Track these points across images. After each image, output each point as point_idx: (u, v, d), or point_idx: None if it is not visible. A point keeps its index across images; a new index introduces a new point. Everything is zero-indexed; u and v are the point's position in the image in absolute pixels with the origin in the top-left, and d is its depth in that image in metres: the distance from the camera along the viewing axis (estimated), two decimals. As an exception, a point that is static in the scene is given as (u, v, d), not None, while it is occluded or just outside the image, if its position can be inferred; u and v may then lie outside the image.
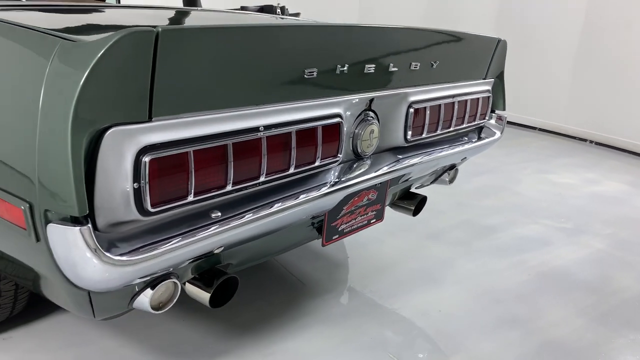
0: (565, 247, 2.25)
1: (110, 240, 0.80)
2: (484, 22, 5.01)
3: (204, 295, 1.08)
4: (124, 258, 0.79)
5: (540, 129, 4.67)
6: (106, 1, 2.50)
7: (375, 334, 1.56)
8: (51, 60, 0.76)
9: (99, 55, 0.71)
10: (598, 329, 1.66)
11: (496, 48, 1.73)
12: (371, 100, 1.30)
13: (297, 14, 2.30)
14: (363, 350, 1.49)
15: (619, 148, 4.07)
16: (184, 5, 2.58)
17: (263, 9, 2.27)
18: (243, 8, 2.27)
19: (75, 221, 0.76)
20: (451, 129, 1.62)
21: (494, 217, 2.54)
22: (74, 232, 0.74)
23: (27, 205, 0.77)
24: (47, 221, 0.76)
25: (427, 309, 1.71)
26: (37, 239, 0.79)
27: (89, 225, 0.75)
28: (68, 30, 0.89)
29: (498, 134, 1.86)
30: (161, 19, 1.46)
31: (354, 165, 1.32)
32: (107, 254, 0.77)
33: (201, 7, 2.60)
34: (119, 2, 3.23)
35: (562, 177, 3.29)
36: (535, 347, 1.54)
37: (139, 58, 0.76)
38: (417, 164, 1.46)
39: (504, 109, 1.89)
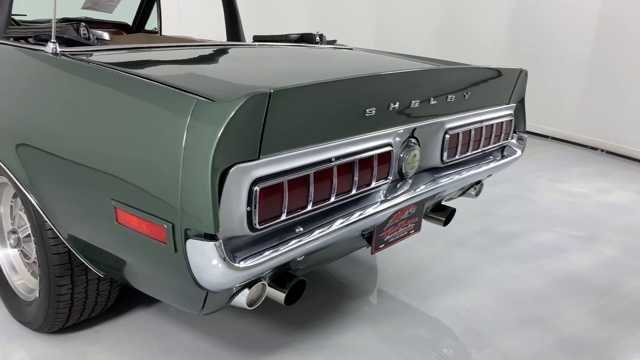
0: (579, 253, 2.46)
1: (228, 250, 1.03)
2: (496, 33, 5.22)
3: (279, 295, 1.30)
4: (241, 265, 1.02)
5: (553, 138, 4.86)
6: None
7: (413, 331, 1.78)
8: (190, 115, 0.99)
9: (232, 114, 0.94)
10: (610, 327, 1.87)
11: (518, 77, 1.94)
12: (414, 129, 1.53)
13: (333, 41, 2.52)
14: (403, 345, 1.70)
15: (629, 157, 4.25)
16: (228, 40, 2.82)
17: (303, 37, 2.49)
18: (286, 36, 2.49)
19: (208, 237, 0.99)
20: (479, 149, 1.84)
21: (512, 225, 2.75)
22: (210, 246, 0.97)
23: (170, 225, 1.01)
24: (187, 237, 0.99)
25: (457, 309, 1.93)
26: (175, 251, 1.02)
27: (220, 240, 0.99)
28: (193, 84, 1.11)
29: (519, 152, 2.07)
30: (252, 63, 1.68)
31: (400, 185, 1.54)
32: (231, 262, 1.00)
33: (244, 39, 2.83)
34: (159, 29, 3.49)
35: (575, 186, 3.49)
36: (553, 343, 1.76)
37: (257, 112, 0.99)
38: (452, 182, 1.68)
39: (524, 130, 2.10)
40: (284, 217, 1.13)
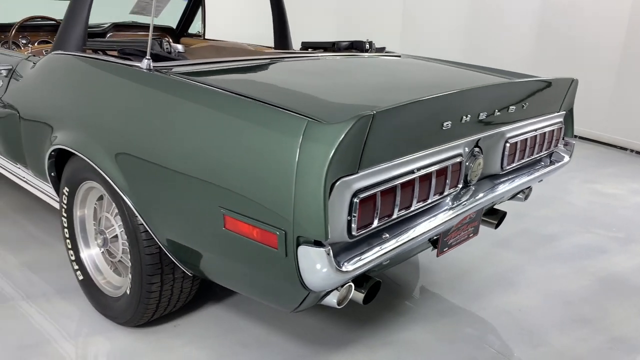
0: (620, 255, 2.53)
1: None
2: (524, 34, 5.26)
3: (359, 295, 1.40)
4: (345, 269, 1.13)
5: (581, 137, 4.90)
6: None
7: (468, 329, 1.88)
8: (302, 135, 1.09)
9: (343, 135, 1.05)
10: (657, 328, 1.95)
11: (570, 86, 2.02)
12: (479, 139, 1.62)
13: (382, 49, 2.60)
14: (462, 342, 1.80)
15: (660, 158, 4.29)
16: (275, 46, 2.91)
17: (353, 45, 2.58)
18: (335, 44, 2.58)
19: (317, 244, 1.09)
20: (534, 156, 1.92)
21: (551, 227, 2.83)
22: (321, 252, 1.08)
23: (282, 232, 1.11)
24: (298, 244, 1.10)
25: (509, 308, 2.02)
26: (286, 255, 1.13)
27: (329, 247, 1.09)
28: (296, 104, 1.21)
29: (567, 157, 2.15)
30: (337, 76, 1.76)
31: (465, 192, 1.64)
32: (337, 266, 1.11)
33: (292, 45, 2.92)
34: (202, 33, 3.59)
35: (609, 187, 3.54)
36: (606, 342, 1.84)
37: (361, 132, 1.09)
38: (510, 188, 1.77)
39: (572, 136, 2.18)
40: (375, 224, 1.23)
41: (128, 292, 1.63)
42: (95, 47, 1.91)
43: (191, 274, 1.57)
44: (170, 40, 1.72)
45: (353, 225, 1.16)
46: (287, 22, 2.85)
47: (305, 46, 2.75)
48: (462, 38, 5.79)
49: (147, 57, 1.54)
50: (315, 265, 1.10)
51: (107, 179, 1.51)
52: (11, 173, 2.33)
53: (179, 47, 1.81)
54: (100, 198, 1.78)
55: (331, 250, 1.10)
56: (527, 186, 1.99)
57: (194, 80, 1.42)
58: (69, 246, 1.88)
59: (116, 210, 1.68)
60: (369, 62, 2.11)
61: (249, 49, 2.13)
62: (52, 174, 1.86)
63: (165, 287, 1.60)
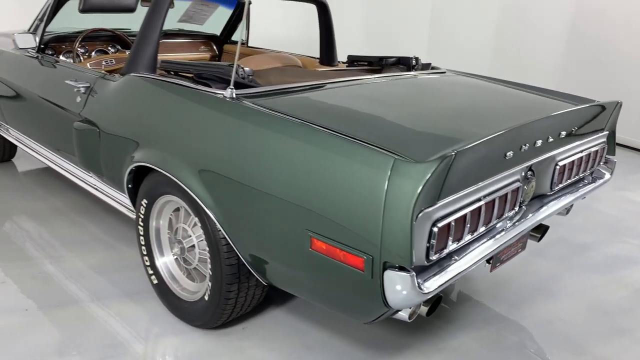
0: (654, 266, 2.63)
1: None
2: (556, 39, 5.30)
3: (424, 309, 1.54)
4: (425, 290, 1.26)
5: (610, 143, 4.94)
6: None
7: (514, 337, 2.01)
8: (390, 171, 1.22)
9: (430, 174, 1.18)
10: (693, 339, 2.06)
11: (614, 108, 2.12)
12: (532, 164, 1.74)
13: (428, 65, 2.71)
14: (508, 350, 1.93)
15: (690, 166, 4.33)
16: (320, 60, 3.02)
17: (400, 61, 2.69)
18: (383, 59, 2.69)
19: (402, 269, 1.23)
20: (579, 175, 2.03)
21: (585, 236, 2.93)
22: (406, 276, 1.22)
23: (370, 257, 1.25)
24: (385, 268, 1.24)
25: (550, 317, 2.14)
26: (372, 277, 1.26)
27: (413, 272, 1.23)
28: (381, 139, 1.34)
29: (608, 175, 2.26)
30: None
31: (519, 212, 1.76)
32: (419, 288, 1.24)
33: (337, 59, 3.03)
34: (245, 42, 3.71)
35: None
36: (644, 353, 1.96)
37: (444, 169, 1.22)
38: (558, 206, 1.89)
39: (613, 154, 2.28)
40: (449, 249, 1.36)
41: (206, 297, 1.79)
42: (169, 69, 2.05)
43: (266, 283, 1.72)
44: (243, 67, 1.84)
45: (431, 250, 1.29)
46: (334, 35, 2.96)
47: (352, 60, 2.87)
48: (491, 41, 5.83)
49: (231, 86, 1.68)
50: (399, 287, 1.24)
51: (193, 195, 1.66)
52: (77, 177, 2.49)
53: (248, 69, 1.94)
54: (177, 210, 1.93)
55: (414, 275, 1.24)
56: (571, 204, 2.10)
57: (278, 112, 1.56)
58: (144, 252, 2.04)
59: (194, 222, 1.84)
60: (429, 84, 2.21)
61: (313, 71, 2.25)
62: (130, 185, 2.02)
63: (241, 294, 1.76)
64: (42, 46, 2.72)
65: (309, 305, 2.09)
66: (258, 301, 1.88)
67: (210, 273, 1.74)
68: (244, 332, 1.93)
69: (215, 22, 3.81)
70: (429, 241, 1.28)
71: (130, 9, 2.96)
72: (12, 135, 3.07)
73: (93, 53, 3.15)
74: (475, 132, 1.45)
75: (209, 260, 1.75)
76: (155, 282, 2.02)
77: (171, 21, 3.60)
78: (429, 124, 1.61)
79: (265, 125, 1.54)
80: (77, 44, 2.95)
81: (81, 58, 3.04)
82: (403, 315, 1.42)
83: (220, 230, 1.64)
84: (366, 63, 2.80)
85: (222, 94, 1.70)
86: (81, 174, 2.45)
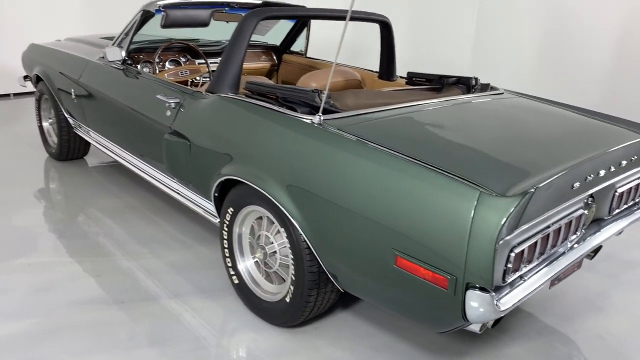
0: (702, 286, 2.71)
1: None
2: (604, 48, 5.30)
3: (490, 322, 1.71)
4: (502, 308, 1.43)
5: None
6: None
7: (565, 349, 2.15)
8: (477, 201, 1.39)
9: (514, 208, 1.35)
10: None
11: None
12: (594, 192, 1.87)
13: (487, 85, 2.83)
14: (561, 360, 2.08)
15: None
16: (380, 75, 3.17)
17: (460, 81, 2.82)
18: (442, 77, 2.82)
19: (483, 289, 1.40)
20: (636, 200, 2.16)
21: (632, 252, 3.02)
22: (487, 296, 1.40)
23: (454, 277, 1.43)
24: (467, 288, 1.41)
25: (600, 332, 2.27)
26: (454, 295, 1.44)
27: (493, 292, 1.40)
28: (464, 170, 1.51)
29: None
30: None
31: (580, 235, 1.90)
32: (497, 306, 1.41)
33: (396, 75, 3.17)
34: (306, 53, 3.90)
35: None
36: (693, 370, 2.08)
37: (525, 203, 1.38)
38: (616, 230, 2.02)
39: None
40: (521, 271, 1.53)
41: (288, 299, 1.99)
42: (255, 90, 2.25)
43: (343, 290, 1.91)
44: (324, 92, 2.02)
45: (507, 273, 1.46)
46: (395, 52, 3.11)
47: (411, 76, 3.02)
48: (537, 50, 5.86)
49: (320, 114, 1.87)
50: (479, 305, 1.41)
51: (281, 208, 1.86)
52: (156, 180, 2.73)
53: (327, 94, 2.09)
54: (259, 218, 2.14)
55: (494, 295, 1.41)
56: (627, 226, 2.22)
57: (365, 139, 1.74)
58: (227, 255, 2.26)
59: (276, 230, 2.05)
60: (496, 109, 2.34)
61: (383, 93, 2.40)
62: (216, 194, 2.24)
63: (319, 298, 1.95)
64: (126, 58, 2.97)
65: (372, 309, 2.28)
66: (331, 304, 2.08)
67: (293, 278, 1.94)
68: (317, 332, 2.13)
69: (276, 33, 4.01)
70: (505, 265, 1.45)
71: (205, 24, 3.20)
72: (92, 137, 3.35)
73: (167, 63, 3.39)
74: (548, 165, 1.61)
75: (291, 266, 1.95)
76: (237, 282, 2.24)
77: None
78: (504, 152, 1.75)
79: (354, 152, 1.72)
80: (157, 56, 3.19)
81: (157, 68, 3.28)
82: (474, 327, 1.59)
83: (304, 240, 1.84)
84: (424, 79, 2.96)
85: (311, 119, 1.90)
86: (159, 176, 2.68)
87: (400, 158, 1.62)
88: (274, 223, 2.05)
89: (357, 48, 6.71)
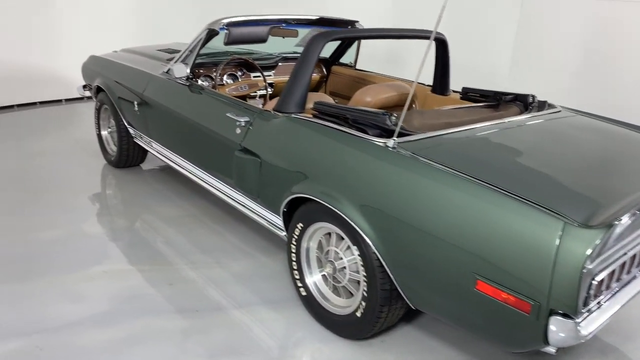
0: None
1: None
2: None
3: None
4: (585, 333, 1.49)
5: None
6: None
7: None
8: (562, 231, 1.45)
9: (599, 240, 1.40)
10: None
11: None
12: None
13: (544, 103, 2.86)
14: (625, 379, 2.11)
15: None
16: (433, 89, 3.22)
17: (517, 98, 2.84)
18: (498, 94, 2.86)
19: (566, 315, 1.46)
20: None
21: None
22: (571, 323, 1.46)
23: (537, 303, 1.49)
24: (550, 314, 1.48)
25: (663, 352, 2.29)
26: (537, 320, 1.50)
27: (576, 319, 1.46)
28: (546, 198, 1.57)
29: None
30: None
31: None
32: (580, 332, 1.47)
33: (450, 89, 3.22)
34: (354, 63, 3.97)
35: None
36: None
37: (610, 234, 1.44)
38: None
39: None
40: (601, 297, 1.58)
41: (358, 314, 2.08)
42: (324, 111, 2.34)
43: (414, 308, 1.98)
44: (394, 114, 2.10)
45: (589, 299, 1.52)
46: (449, 68, 3.16)
47: (466, 91, 3.07)
48: (576, 69, 5.79)
49: (394, 138, 1.95)
50: (562, 331, 1.47)
51: (356, 228, 1.94)
52: (220, 192, 2.84)
53: (393, 117, 2.15)
54: (328, 234, 2.23)
55: (577, 321, 1.47)
56: None
57: (442, 164, 1.81)
58: (294, 267, 2.36)
59: (346, 246, 2.13)
60: (561, 130, 2.37)
61: (447, 112, 2.46)
62: (285, 209, 2.34)
63: (389, 314, 2.03)
64: (190, 75, 3.10)
65: (434, 323, 2.34)
66: (398, 319, 2.16)
67: (365, 294, 2.03)
68: (384, 345, 2.21)
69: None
70: (587, 292, 1.50)
71: (263, 40, 3.31)
72: (153, 148, 3.49)
73: (224, 77, 3.52)
74: (625, 191, 1.66)
75: (363, 282, 2.03)
76: (304, 294, 2.34)
77: (289, 46, 3.93)
78: (578, 178, 1.80)
79: (431, 177, 1.79)
80: (218, 73, 3.32)
81: (215, 81, 3.41)
82: (550, 349, 1.65)
83: (377, 259, 1.92)
84: (478, 95, 3.00)
85: (385, 143, 1.97)
86: (224, 188, 2.79)
87: (479, 185, 1.69)
88: (343, 239, 2.14)
89: (393, 57, 6.77)
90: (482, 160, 1.91)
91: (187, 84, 3.07)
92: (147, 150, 3.80)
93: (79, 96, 6.20)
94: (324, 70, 4.10)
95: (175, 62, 3.16)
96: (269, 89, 3.65)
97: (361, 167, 1.99)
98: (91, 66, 4.18)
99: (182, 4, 6.66)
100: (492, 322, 1.65)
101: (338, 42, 3.99)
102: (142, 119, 3.45)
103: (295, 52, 3.99)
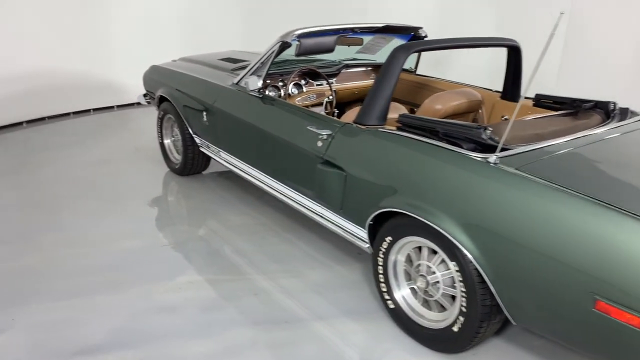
0: None
1: None
2: None
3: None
4: None
5: None
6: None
7: None
8: None
9: None
10: None
11: None
12: None
13: (626, 110, 2.79)
14: None
15: None
16: (503, 95, 3.18)
17: (597, 105, 2.79)
18: (576, 101, 2.79)
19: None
20: None
21: None
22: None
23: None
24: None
25: None
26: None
27: None
28: None
29: None
30: None
31: None
32: None
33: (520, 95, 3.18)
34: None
35: None
36: None
37: None
38: None
39: None
40: None
41: (456, 329, 2.08)
42: (410, 124, 2.34)
43: (516, 324, 1.98)
44: (489, 127, 2.09)
45: None
46: (521, 74, 3.13)
47: (539, 97, 3.03)
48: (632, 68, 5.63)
49: (497, 153, 1.94)
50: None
51: (456, 244, 1.95)
52: (299, 204, 2.88)
53: (491, 129, 2.12)
54: (417, 248, 2.24)
55: None
56: None
57: (547, 179, 1.80)
58: (381, 280, 2.38)
59: (439, 260, 2.14)
60: None
61: (535, 122, 2.44)
62: (371, 222, 2.36)
63: (487, 329, 2.04)
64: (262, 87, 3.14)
65: (522, 335, 2.33)
66: (492, 333, 2.16)
67: (464, 309, 2.03)
68: (475, 358, 2.22)
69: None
70: None
71: (331, 50, 3.33)
72: (222, 157, 3.56)
73: (290, 86, 3.55)
74: None
75: (461, 297, 2.03)
76: (392, 307, 2.36)
77: (348, 53, 3.94)
78: None
79: (540, 195, 1.78)
80: (289, 83, 3.36)
81: (280, 90, 3.45)
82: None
83: (478, 274, 1.93)
84: (551, 101, 2.96)
85: (485, 158, 1.97)
86: (299, 198, 2.83)
87: (595, 203, 1.67)
88: (435, 253, 2.15)
89: (439, 57, 6.70)
90: (588, 175, 1.89)
91: (260, 95, 3.12)
92: (210, 158, 3.89)
93: (130, 102, 6.41)
94: (383, 76, 4.09)
95: (248, 74, 3.20)
96: (331, 97, 3.67)
97: (461, 183, 1.99)
98: (153, 76, 4.28)
99: (230, 11, 6.77)
100: (611, 342, 1.64)
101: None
102: (211, 129, 3.52)
103: (354, 59, 4.00)
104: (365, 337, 2.35)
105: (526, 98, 3.18)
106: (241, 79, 3.30)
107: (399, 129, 2.39)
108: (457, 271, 2.03)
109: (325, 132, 2.56)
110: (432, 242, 2.11)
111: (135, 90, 6.38)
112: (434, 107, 2.96)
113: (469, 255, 1.93)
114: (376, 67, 4.07)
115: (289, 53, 3.19)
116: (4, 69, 5.19)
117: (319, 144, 2.59)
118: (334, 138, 2.54)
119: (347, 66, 3.87)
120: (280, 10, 6.96)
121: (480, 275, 1.94)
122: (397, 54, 2.49)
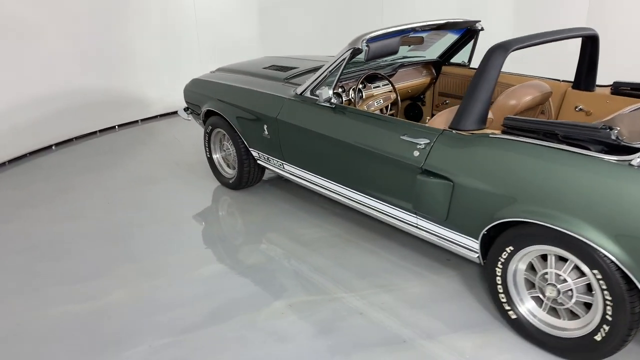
0: None
1: None
2: None
3: None
4: None
5: None
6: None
7: None
8: None
9: None
10: None
11: None
12: None
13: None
14: None
15: None
16: (575, 85, 3.09)
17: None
18: (618, 84, 2.74)
19: None
20: None
21: None
22: None
23: None
24: None
25: None
26: None
27: None
28: None
29: None
30: None
31: None
32: None
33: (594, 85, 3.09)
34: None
35: None
36: None
37: None
38: None
39: None
40: None
41: (598, 338, 2.01)
42: (520, 127, 2.25)
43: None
44: (616, 128, 2.00)
45: None
46: (597, 64, 3.04)
47: (617, 85, 2.95)
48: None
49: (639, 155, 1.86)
50: None
51: (603, 251, 1.88)
52: (386, 214, 2.80)
53: (616, 131, 1.99)
54: (541, 256, 2.17)
55: None
56: None
57: None
58: (500, 290, 2.31)
59: (570, 268, 2.07)
60: None
61: (632, 114, 2.36)
62: (485, 232, 2.28)
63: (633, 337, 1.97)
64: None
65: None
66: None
67: (609, 318, 1.96)
68: (610, 364, 2.16)
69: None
70: None
71: (395, 52, 3.24)
72: (286, 170, 3.45)
73: (350, 91, 3.44)
74: None
75: (606, 306, 1.96)
76: (514, 317, 2.29)
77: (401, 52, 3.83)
78: None
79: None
80: (357, 89, 3.25)
81: (342, 99, 3.33)
82: None
83: (626, 281, 1.86)
84: (629, 88, 2.89)
85: (628, 161, 1.89)
86: (386, 208, 2.75)
87: None
88: (566, 261, 2.08)
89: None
90: None
91: (332, 105, 3.01)
92: (264, 170, 3.78)
93: (154, 115, 6.26)
94: (434, 72, 4.00)
95: (317, 84, 3.09)
96: (396, 99, 3.56)
97: (601, 188, 1.91)
98: (196, 89, 4.14)
99: (247, 18, 6.63)
100: None
101: (450, 43, 3.88)
102: (274, 142, 3.40)
103: (405, 57, 3.90)
104: (490, 352, 2.27)
105: (601, 86, 3.11)
106: (306, 88, 3.18)
107: (503, 132, 2.30)
108: (600, 279, 1.95)
109: (422, 141, 2.46)
110: (565, 250, 2.04)
111: (158, 101, 6.26)
112: (509, 102, 2.87)
113: (617, 262, 1.85)
114: (427, 64, 3.97)
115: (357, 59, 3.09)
116: (30, 93, 5.03)
117: (416, 153, 2.49)
118: (433, 147, 2.44)
119: (403, 65, 3.77)
120: (294, 12, 6.83)
121: (627, 282, 1.87)
122: (495, 54, 2.39)
